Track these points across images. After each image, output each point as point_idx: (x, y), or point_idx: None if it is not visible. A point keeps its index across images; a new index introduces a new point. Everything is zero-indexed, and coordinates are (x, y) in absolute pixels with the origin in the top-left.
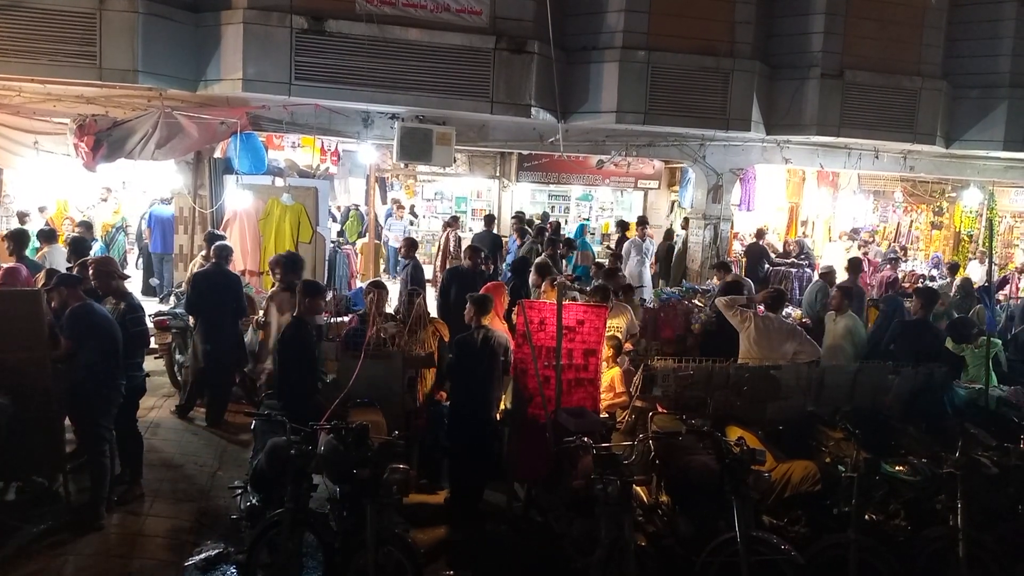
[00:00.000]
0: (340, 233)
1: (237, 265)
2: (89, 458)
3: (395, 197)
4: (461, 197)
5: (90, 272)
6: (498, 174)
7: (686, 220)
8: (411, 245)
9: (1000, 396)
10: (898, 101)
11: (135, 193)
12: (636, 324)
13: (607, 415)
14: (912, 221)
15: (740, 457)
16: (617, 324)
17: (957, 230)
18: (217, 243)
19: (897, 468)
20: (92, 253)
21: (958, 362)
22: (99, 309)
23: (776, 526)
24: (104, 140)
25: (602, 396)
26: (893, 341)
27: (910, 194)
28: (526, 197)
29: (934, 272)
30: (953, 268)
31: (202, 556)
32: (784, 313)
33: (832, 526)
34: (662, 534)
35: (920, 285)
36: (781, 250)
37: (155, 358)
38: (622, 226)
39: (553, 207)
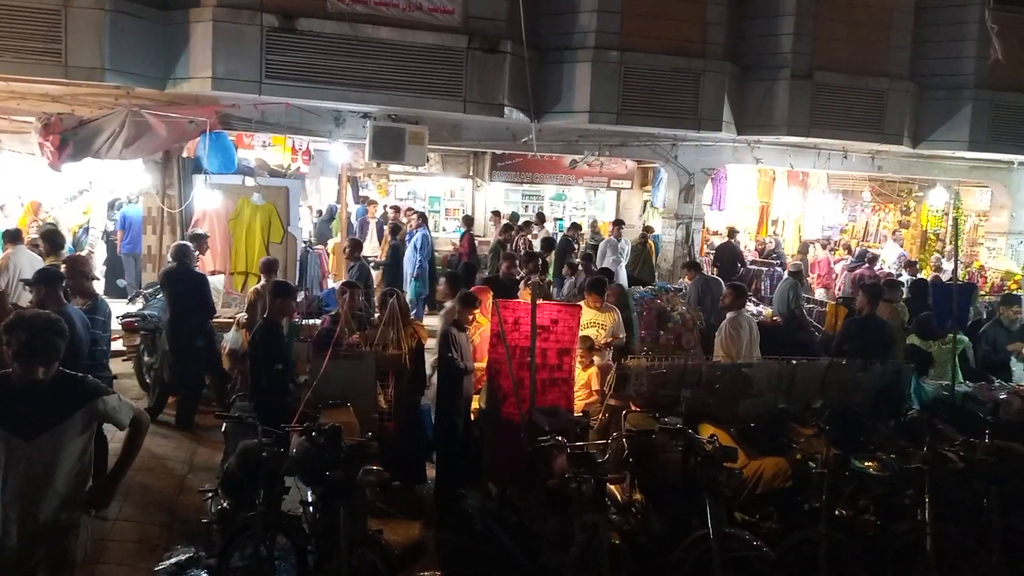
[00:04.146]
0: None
1: (207, 265)
2: None
3: (374, 199)
4: (435, 197)
5: (62, 270)
6: (471, 174)
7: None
8: (356, 246)
9: (966, 392)
10: (866, 102)
11: (102, 193)
12: (621, 327)
13: (581, 414)
14: (880, 220)
15: (712, 455)
16: (602, 321)
17: (924, 229)
18: (176, 242)
19: (866, 464)
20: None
21: (926, 358)
22: (74, 312)
23: (748, 522)
24: (70, 139)
25: (578, 394)
26: (846, 341)
27: (878, 193)
28: (499, 197)
29: (903, 270)
30: (910, 265)
31: (172, 561)
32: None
33: (803, 522)
34: (636, 532)
35: (868, 282)
36: (754, 249)
37: (123, 360)
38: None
39: (527, 207)
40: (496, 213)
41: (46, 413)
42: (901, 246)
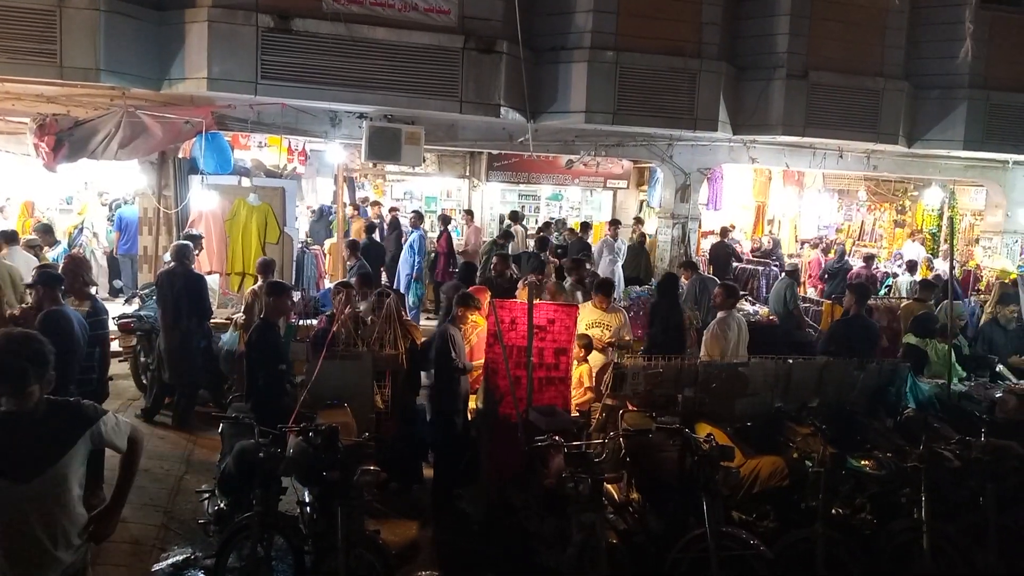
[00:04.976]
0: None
1: (203, 266)
2: None
3: (378, 202)
4: (431, 197)
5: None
6: (468, 174)
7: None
8: (355, 247)
9: (962, 391)
10: (861, 101)
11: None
12: (628, 327)
13: (578, 413)
14: (875, 219)
15: (709, 454)
16: (608, 322)
17: (919, 228)
18: (176, 243)
19: (863, 463)
20: (57, 255)
21: (923, 356)
22: (70, 313)
23: (745, 521)
24: (65, 140)
25: (572, 393)
26: (832, 342)
27: (873, 193)
28: (496, 197)
29: (896, 269)
30: (911, 265)
31: (169, 562)
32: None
33: (800, 521)
34: (633, 531)
35: (856, 282)
36: (751, 248)
37: (119, 361)
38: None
39: (523, 206)
40: (468, 212)
41: (44, 448)
42: (922, 244)
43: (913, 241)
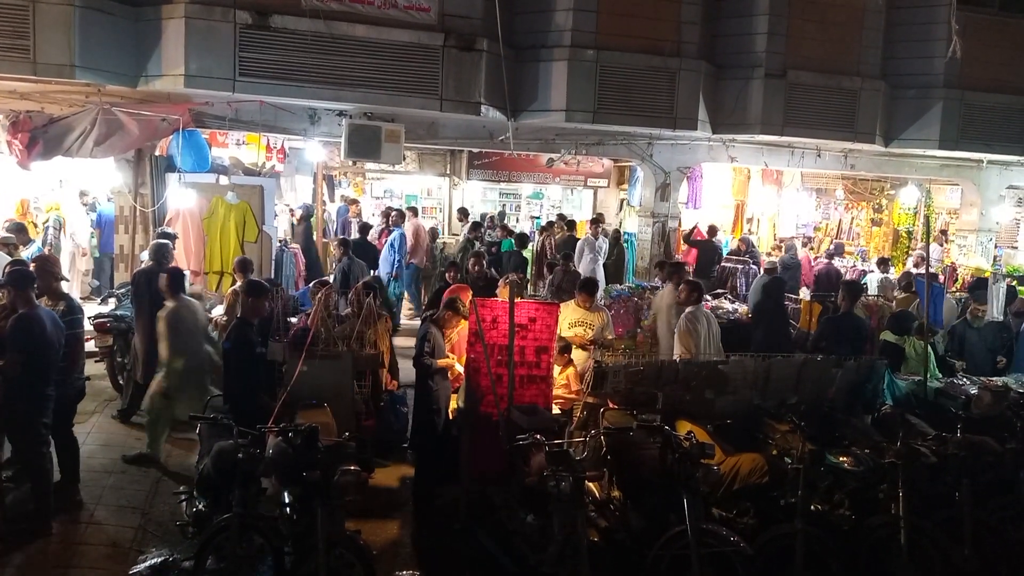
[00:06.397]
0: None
1: (181, 265)
2: (30, 466)
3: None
4: (411, 195)
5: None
6: (448, 172)
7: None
8: (345, 246)
9: (938, 387)
10: (839, 101)
11: (72, 192)
12: (610, 327)
13: (560, 411)
14: (853, 218)
15: (690, 451)
16: (591, 321)
17: (896, 227)
18: (154, 241)
19: (841, 459)
20: (31, 254)
21: (900, 353)
22: (43, 315)
23: (725, 518)
24: (40, 137)
25: (558, 393)
26: (823, 339)
27: (851, 192)
28: (477, 195)
29: (866, 266)
30: (883, 262)
31: (147, 564)
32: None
33: (779, 517)
34: (614, 529)
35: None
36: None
37: (96, 361)
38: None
39: (504, 205)
40: (411, 210)
41: None
42: (941, 245)
43: (934, 242)
